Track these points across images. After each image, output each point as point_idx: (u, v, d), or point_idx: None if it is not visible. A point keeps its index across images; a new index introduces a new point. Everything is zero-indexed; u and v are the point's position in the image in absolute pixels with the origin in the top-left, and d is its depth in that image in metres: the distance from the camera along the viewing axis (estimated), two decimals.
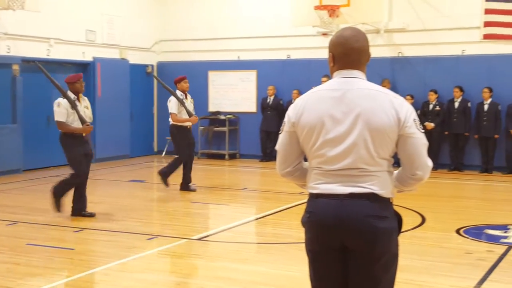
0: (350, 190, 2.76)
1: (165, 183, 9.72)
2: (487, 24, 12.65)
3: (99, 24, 14.16)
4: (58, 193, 7.74)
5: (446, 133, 12.70)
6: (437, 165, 12.59)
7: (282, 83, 14.24)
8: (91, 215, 7.78)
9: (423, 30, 13.24)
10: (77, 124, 7.56)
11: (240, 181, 12.03)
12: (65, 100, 7.55)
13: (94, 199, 8.57)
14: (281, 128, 2.96)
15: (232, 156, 15.00)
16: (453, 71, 12.95)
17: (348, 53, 2.81)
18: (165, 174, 9.71)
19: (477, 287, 5.09)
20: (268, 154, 14.09)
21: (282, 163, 2.98)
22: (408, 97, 12.71)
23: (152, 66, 15.71)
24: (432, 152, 12.44)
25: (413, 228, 7.21)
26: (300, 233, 2.87)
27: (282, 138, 2.95)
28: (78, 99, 7.67)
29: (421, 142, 2.80)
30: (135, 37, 15.06)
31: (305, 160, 2.95)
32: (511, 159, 12.19)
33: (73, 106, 7.53)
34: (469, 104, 12.50)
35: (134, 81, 14.96)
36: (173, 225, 7.38)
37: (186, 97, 9.76)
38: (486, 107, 12.31)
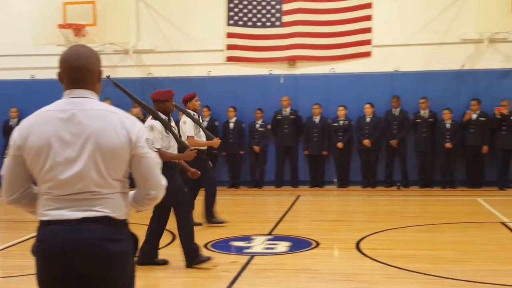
0: (83, 215, 2.67)
1: (217, 220, 8.77)
2: (230, 47, 13.48)
3: None
4: (188, 244, 6.36)
5: None
6: None
7: (27, 105, 13.39)
8: (164, 262, 6.49)
9: (171, 52, 13.60)
10: (173, 150, 6.21)
11: None
12: (158, 122, 6.06)
13: None
14: (6, 152, 2.76)
15: None
16: (201, 91, 13.45)
17: (70, 71, 2.72)
18: (208, 214, 8.73)
19: None
20: None
21: (7, 189, 2.78)
22: None
23: None
24: None
25: (164, 246, 7.27)
26: None
27: (7, 162, 2.76)
28: (168, 120, 6.27)
29: (154, 161, 2.81)
30: None
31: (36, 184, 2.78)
32: (254, 173, 13.08)
33: (168, 128, 6.09)
34: (216, 123, 13.13)
35: None
36: None
37: (199, 117, 8.49)
38: (231, 125, 13.05)
